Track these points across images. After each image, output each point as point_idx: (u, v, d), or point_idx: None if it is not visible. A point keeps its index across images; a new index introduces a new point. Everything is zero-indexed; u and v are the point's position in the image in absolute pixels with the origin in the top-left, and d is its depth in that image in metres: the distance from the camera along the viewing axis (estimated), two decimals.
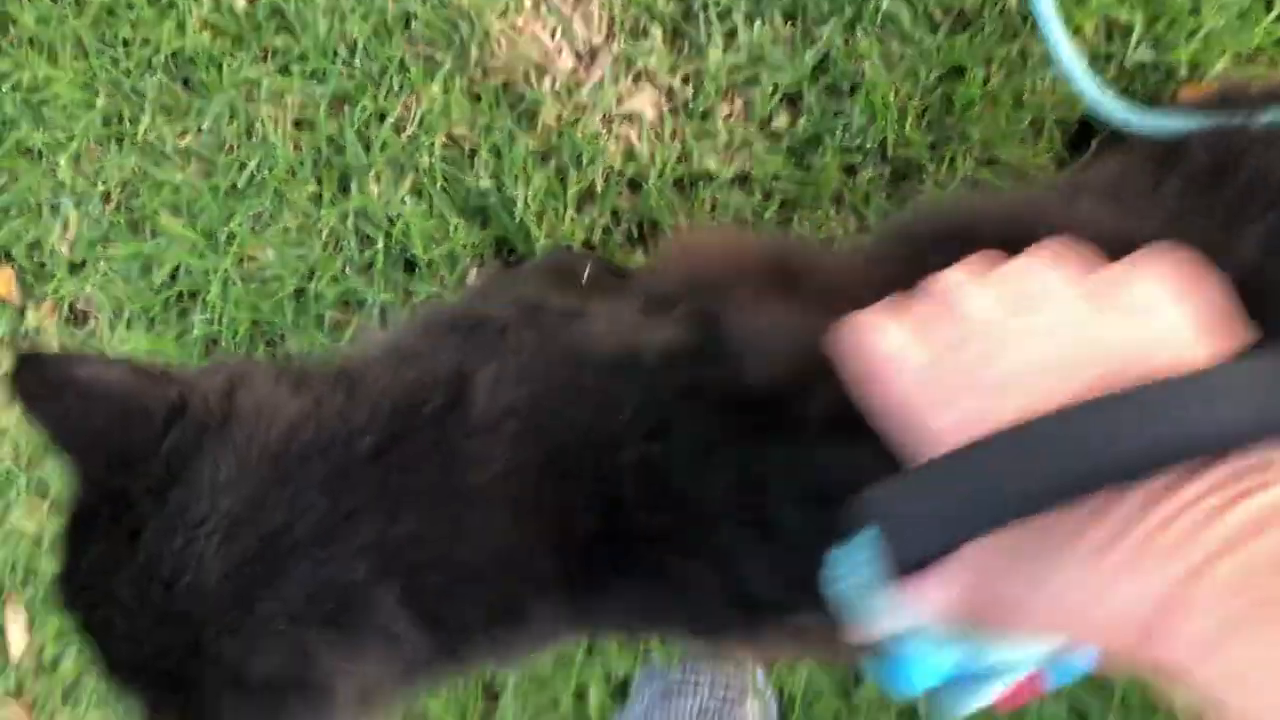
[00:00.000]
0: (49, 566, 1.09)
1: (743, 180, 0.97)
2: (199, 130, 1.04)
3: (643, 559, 0.49)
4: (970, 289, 0.42)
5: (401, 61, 0.99)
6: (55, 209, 1.07)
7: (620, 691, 1.00)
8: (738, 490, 0.49)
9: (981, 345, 0.40)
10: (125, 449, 0.49)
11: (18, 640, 1.14)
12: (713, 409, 0.49)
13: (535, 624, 0.52)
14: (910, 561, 0.37)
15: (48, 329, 1.08)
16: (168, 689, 0.48)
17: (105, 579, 0.48)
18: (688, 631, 0.56)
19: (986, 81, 0.91)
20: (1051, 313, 0.41)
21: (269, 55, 1.03)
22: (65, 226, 1.07)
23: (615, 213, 0.98)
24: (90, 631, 0.50)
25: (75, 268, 1.09)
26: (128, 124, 1.04)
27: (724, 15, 0.96)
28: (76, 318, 1.10)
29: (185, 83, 1.05)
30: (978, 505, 0.36)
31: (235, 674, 0.47)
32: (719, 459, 0.49)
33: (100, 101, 1.04)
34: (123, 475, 0.49)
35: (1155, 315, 0.41)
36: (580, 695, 1.00)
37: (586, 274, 0.77)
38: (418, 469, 0.49)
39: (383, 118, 1.00)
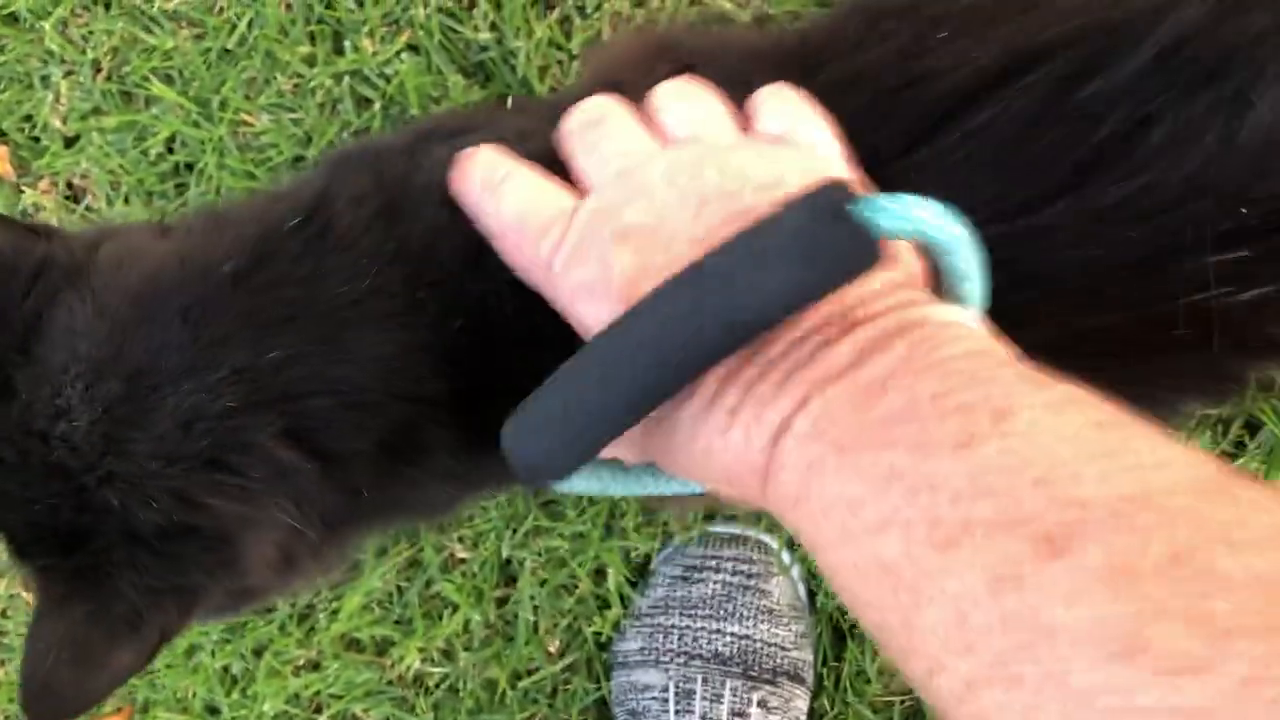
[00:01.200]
0: None
1: (760, 24, 0.90)
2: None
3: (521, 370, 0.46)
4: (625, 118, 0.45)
5: None
6: (45, 80, 1.05)
7: (640, 570, 0.99)
8: None
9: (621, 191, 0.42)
10: None
11: None
12: None
13: (438, 456, 0.50)
14: (555, 476, 0.41)
15: (46, 206, 1.07)
16: (60, 553, 0.47)
17: None
18: None
19: None
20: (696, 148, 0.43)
21: None
22: (57, 98, 1.05)
23: None
24: None
25: (70, 142, 1.06)
26: None
27: None
28: (75, 194, 1.08)
29: None
30: (591, 423, 0.38)
31: (125, 526, 0.45)
32: None
33: None
34: None
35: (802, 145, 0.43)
36: (599, 574, 0.98)
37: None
38: (282, 291, 0.47)
39: None
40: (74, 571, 0.47)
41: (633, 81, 0.51)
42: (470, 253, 0.48)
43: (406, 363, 0.49)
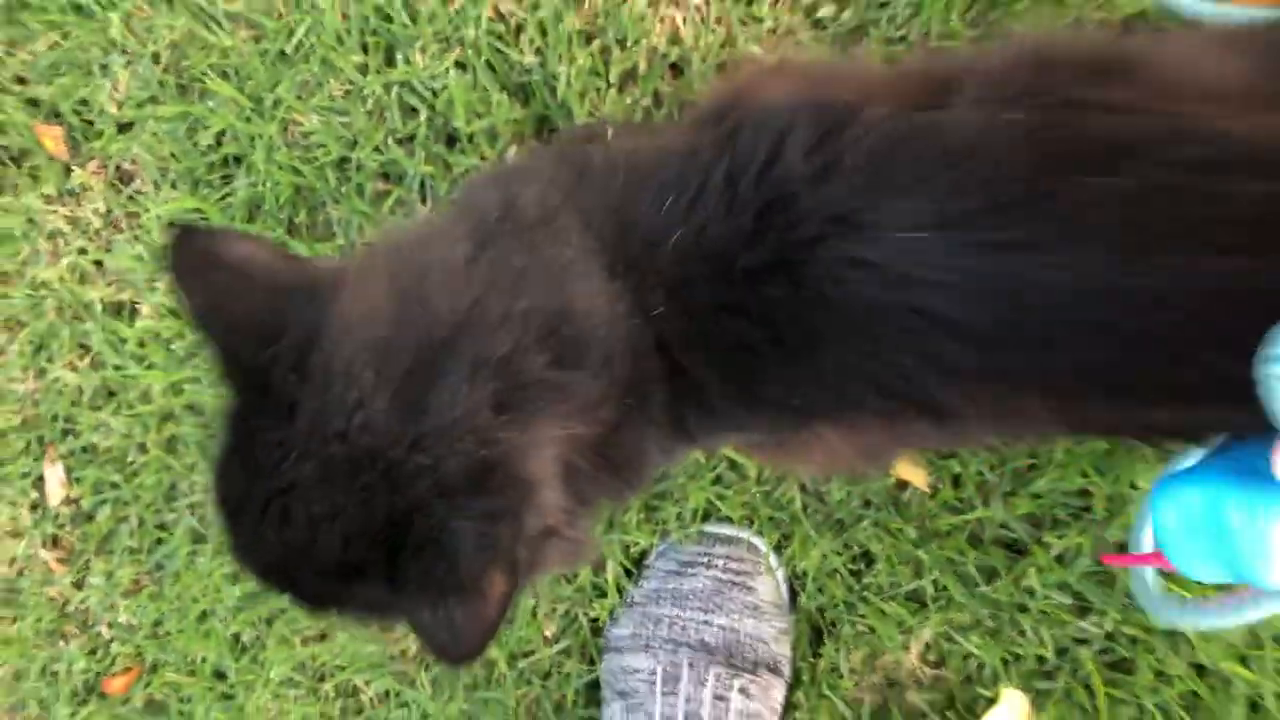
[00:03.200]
0: (89, 420, 1.18)
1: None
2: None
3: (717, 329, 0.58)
4: None
5: None
6: (105, 68, 1.14)
7: (636, 563, 1.09)
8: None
9: None
10: (267, 327, 0.55)
11: (55, 492, 1.23)
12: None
13: (669, 380, 0.61)
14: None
15: (94, 187, 1.15)
16: (383, 547, 0.53)
17: (277, 466, 0.53)
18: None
19: None
20: None
21: None
22: (115, 85, 1.14)
23: (657, 95, 1.04)
24: (278, 523, 0.54)
25: (123, 127, 1.15)
26: None
27: None
28: (122, 178, 1.17)
29: None
30: None
31: (438, 484, 0.52)
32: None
33: None
34: (266, 352, 0.54)
35: None
36: (597, 567, 1.08)
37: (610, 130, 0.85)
38: (509, 260, 0.57)
39: None
40: (397, 558, 0.53)
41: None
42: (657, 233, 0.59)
43: (616, 305, 0.59)
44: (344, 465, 0.52)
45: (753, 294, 0.57)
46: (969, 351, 0.54)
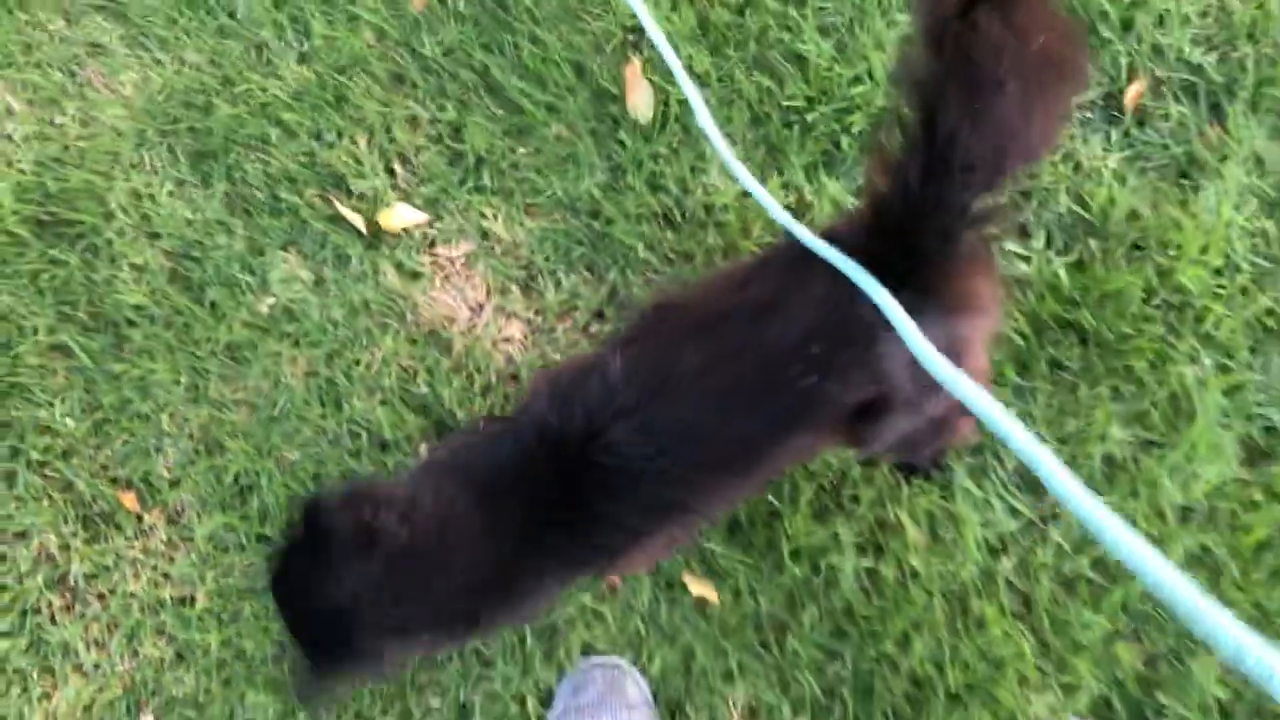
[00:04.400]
0: (168, 679, 1.77)
1: None
2: (245, 387, 1.80)
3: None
4: None
5: (367, 329, 1.76)
6: (159, 449, 1.82)
7: (548, 695, 1.68)
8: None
9: None
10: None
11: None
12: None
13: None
14: None
15: (158, 524, 1.80)
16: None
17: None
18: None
19: None
20: None
21: (283, 336, 1.80)
22: (165, 459, 1.81)
23: (506, 396, 1.74)
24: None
25: (173, 483, 1.82)
26: (202, 389, 1.80)
27: (552, 273, 1.74)
28: (177, 514, 1.82)
29: (233, 358, 1.81)
30: None
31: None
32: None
33: (183, 379, 1.80)
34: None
35: None
36: (523, 701, 1.68)
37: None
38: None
39: (359, 362, 1.76)
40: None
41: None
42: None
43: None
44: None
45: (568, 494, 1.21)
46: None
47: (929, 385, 1.13)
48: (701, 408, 1.16)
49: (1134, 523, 1.55)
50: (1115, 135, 1.70)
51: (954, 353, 1.03)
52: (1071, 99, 1.10)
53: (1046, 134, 1.00)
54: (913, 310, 1.01)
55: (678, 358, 1.17)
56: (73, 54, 1.90)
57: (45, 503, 1.79)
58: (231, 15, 1.87)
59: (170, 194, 1.82)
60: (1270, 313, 1.61)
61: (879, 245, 1.06)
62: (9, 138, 1.88)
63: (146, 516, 1.80)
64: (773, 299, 1.14)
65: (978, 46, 0.91)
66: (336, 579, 1.10)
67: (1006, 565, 1.57)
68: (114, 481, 1.81)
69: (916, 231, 1.03)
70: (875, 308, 1.04)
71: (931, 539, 1.58)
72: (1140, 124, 1.71)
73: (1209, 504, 1.55)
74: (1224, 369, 1.59)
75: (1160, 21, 1.71)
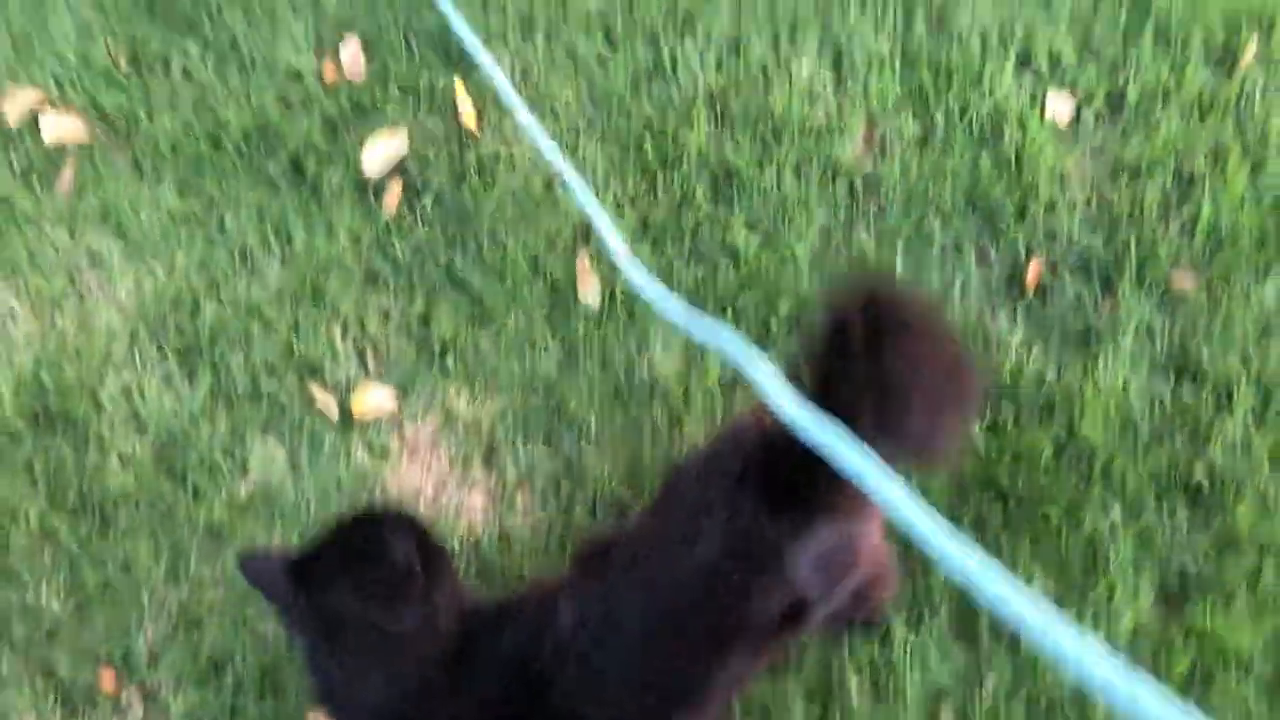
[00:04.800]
0: None
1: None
2: (224, 565, 1.91)
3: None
4: None
5: (339, 507, 1.89)
6: (139, 627, 1.91)
7: None
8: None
9: None
10: None
11: None
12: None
13: None
14: None
15: (135, 705, 1.88)
16: None
17: None
18: None
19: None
20: None
21: (260, 516, 1.92)
22: (146, 638, 1.90)
23: (466, 563, 1.85)
24: None
25: (151, 661, 1.90)
26: (183, 569, 1.91)
27: (511, 445, 1.89)
28: (152, 693, 1.90)
29: (213, 538, 1.93)
30: None
31: None
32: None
33: (164, 559, 1.91)
34: None
35: None
36: None
37: None
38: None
39: None
40: None
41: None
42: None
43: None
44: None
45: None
46: None
47: (839, 573, 1.27)
48: (647, 649, 1.28)
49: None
50: (1020, 310, 1.90)
51: (849, 549, 1.18)
52: (967, 414, 1.26)
53: (942, 438, 1.15)
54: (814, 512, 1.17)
55: (619, 601, 1.28)
56: (74, 263, 2.10)
57: (26, 686, 1.87)
58: (220, 227, 2.08)
59: (158, 388, 1.98)
60: (1172, 465, 1.76)
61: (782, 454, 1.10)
62: (9, 338, 2.05)
63: (124, 694, 1.87)
64: (687, 528, 1.24)
65: (882, 372, 1.06)
66: None
67: (946, 713, 1.66)
68: (95, 660, 1.89)
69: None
70: (776, 521, 1.18)
71: (874, 689, 1.68)
72: (1042, 300, 1.91)
73: (1131, 644, 1.66)
74: (1134, 516, 1.73)
75: (1050, 209, 1.94)
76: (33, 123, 2.18)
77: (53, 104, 2.18)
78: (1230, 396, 1.81)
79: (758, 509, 1.20)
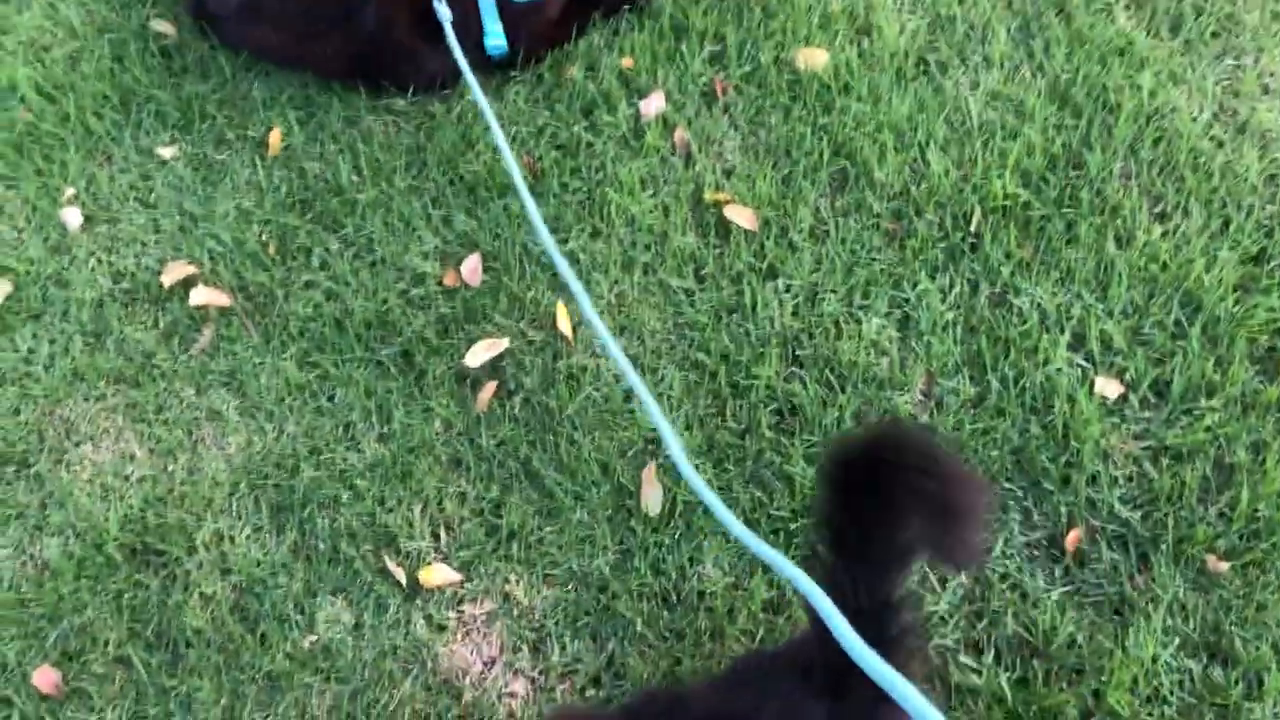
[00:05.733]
0: None
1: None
2: (276, 713, 2.03)
3: None
4: None
5: (391, 672, 2.02)
6: None
7: None
8: None
9: None
10: None
11: None
12: None
13: None
14: None
15: None
16: None
17: None
18: None
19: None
20: None
21: (318, 670, 2.06)
22: None
23: None
24: None
25: None
26: (238, 711, 2.04)
27: (559, 637, 2.01)
28: None
29: (271, 686, 2.06)
30: None
31: None
32: None
33: (223, 700, 2.05)
34: None
35: None
36: None
37: None
38: None
39: (378, 701, 2.00)
40: None
41: None
42: None
43: None
44: None
45: None
46: None
47: None
48: None
49: None
50: (1058, 572, 2.01)
51: None
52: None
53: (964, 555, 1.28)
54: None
55: None
56: (194, 417, 2.34)
57: None
58: (330, 399, 2.32)
59: (248, 537, 2.17)
60: None
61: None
62: (126, 478, 2.27)
63: None
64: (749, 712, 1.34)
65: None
66: None
67: None
68: None
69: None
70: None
71: None
72: (1080, 565, 2.01)
73: None
74: None
75: (1093, 480, 2.07)
76: (184, 289, 2.47)
77: (204, 279, 2.49)
78: (1261, 684, 1.86)
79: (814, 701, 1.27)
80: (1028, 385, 2.16)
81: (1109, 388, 2.15)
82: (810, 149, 2.49)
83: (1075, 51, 2.59)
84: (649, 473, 2.12)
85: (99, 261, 2.54)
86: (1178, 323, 2.22)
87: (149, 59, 2.81)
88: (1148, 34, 2.62)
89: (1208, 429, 2.09)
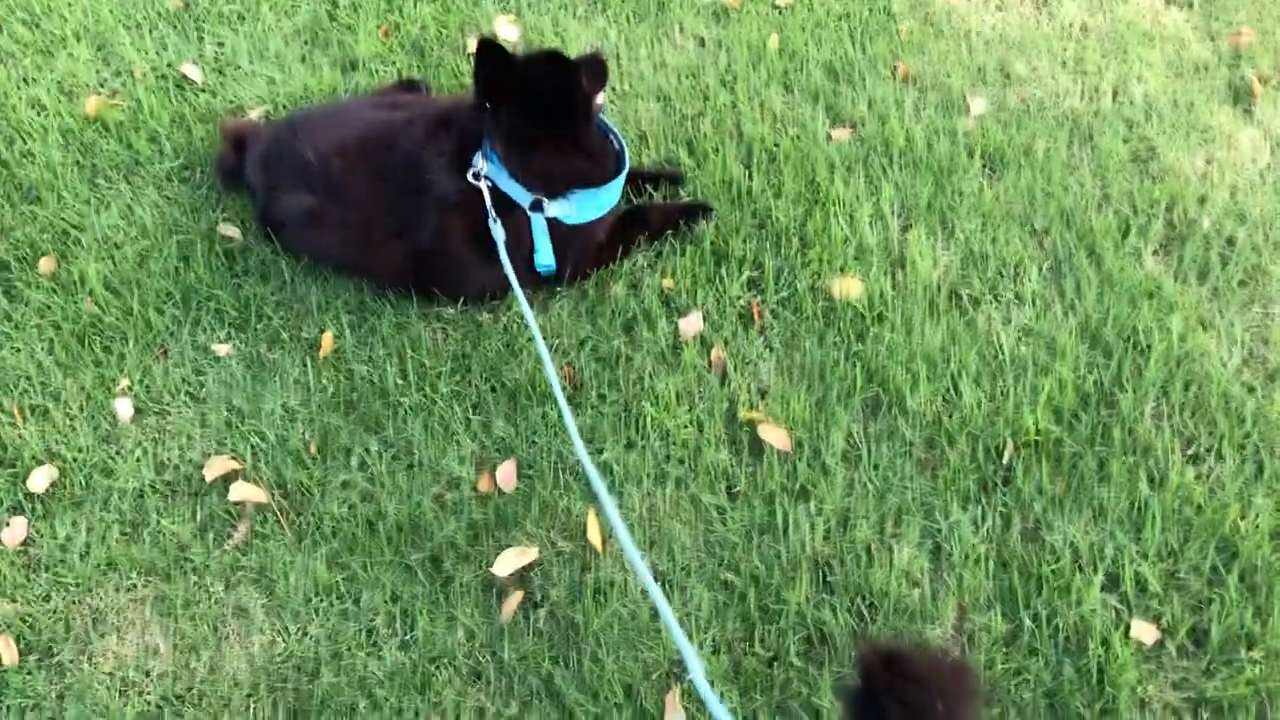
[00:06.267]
0: None
1: None
2: None
3: None
4: None
5: None
6: None
7: None
8: None
9: None
10: None
11: None
12: None
13: None
14: None
15: None
16: None
17: None
18: None
19: None
20: None
21: None
22: None
23: None
24: None
25: None
26: None
27: None
28: None
29: None
30: None
31: None
32: None
33: None
34: None
35: None
36: None
37: None
38: None
39: None
40: None
41: None
42: None
43: None
44: None
45: None
46: None
47: None
48: None
49: None
50: None
51: None
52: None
53: None
54: None
55: None
56: (221, 613, 2.35)
57: None
58: (356, 601, 2.32)
59: None
60: None
61: None
62: (147, 673, 2.27)
63: None
64: None
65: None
66: None
67: None
68: None
69: None
70: None
71: None
72: None
73: None
74: None
75: None
76: (224, 483, 2.53)
77: (245, 474, 2.54)
78: None
79: None
80: (1061, 625, 2.14)
81: (1145, 632, 2.11)
82: (844, 374, 2.55)
83: (1106, 293, 2.67)
84: (673, 698, 2.09)
85: (144, 452, 2.61)
86: (1214, 568, 2.20)
87: (214, 260, 2.96)
88: (1175, 279, 2.70)
89: (1249, 682, 2.04)
